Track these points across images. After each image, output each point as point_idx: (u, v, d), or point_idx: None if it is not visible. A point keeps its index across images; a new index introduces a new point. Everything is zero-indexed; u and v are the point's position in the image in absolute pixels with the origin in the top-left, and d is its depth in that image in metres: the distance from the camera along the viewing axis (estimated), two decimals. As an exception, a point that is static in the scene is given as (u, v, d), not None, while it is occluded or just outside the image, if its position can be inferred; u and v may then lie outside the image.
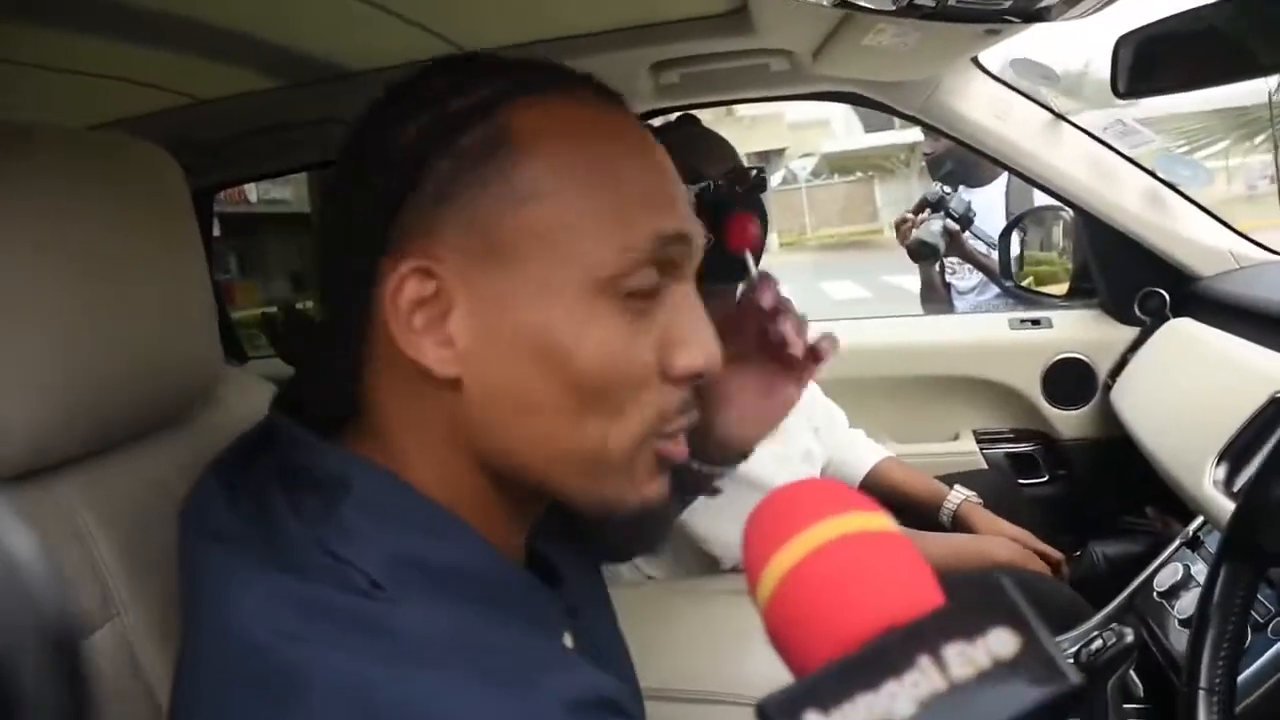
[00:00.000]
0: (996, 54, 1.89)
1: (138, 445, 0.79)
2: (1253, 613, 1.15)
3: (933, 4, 1.11)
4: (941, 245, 2.81)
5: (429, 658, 0.53)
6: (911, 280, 3.44)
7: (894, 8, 1.12)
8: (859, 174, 24.64)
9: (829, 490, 0.47)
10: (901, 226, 2.95)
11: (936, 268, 3.16)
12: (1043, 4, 1.13)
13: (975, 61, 1.82)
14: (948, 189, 2.82)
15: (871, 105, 1.90)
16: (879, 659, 0.38)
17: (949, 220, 2.78)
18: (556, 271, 0.59)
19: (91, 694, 0.20)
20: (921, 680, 0.37)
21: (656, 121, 1.75)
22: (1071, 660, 1.27)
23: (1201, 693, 0.90)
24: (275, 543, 0.57)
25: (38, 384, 0.66)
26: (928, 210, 2.83)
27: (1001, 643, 0.38)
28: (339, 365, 0.64)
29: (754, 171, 1.56)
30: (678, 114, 1.67)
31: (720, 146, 1.58)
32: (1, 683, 0.18)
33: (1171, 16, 1.27)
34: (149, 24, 1.08)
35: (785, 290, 0.92)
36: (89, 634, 0.68)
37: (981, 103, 1.86)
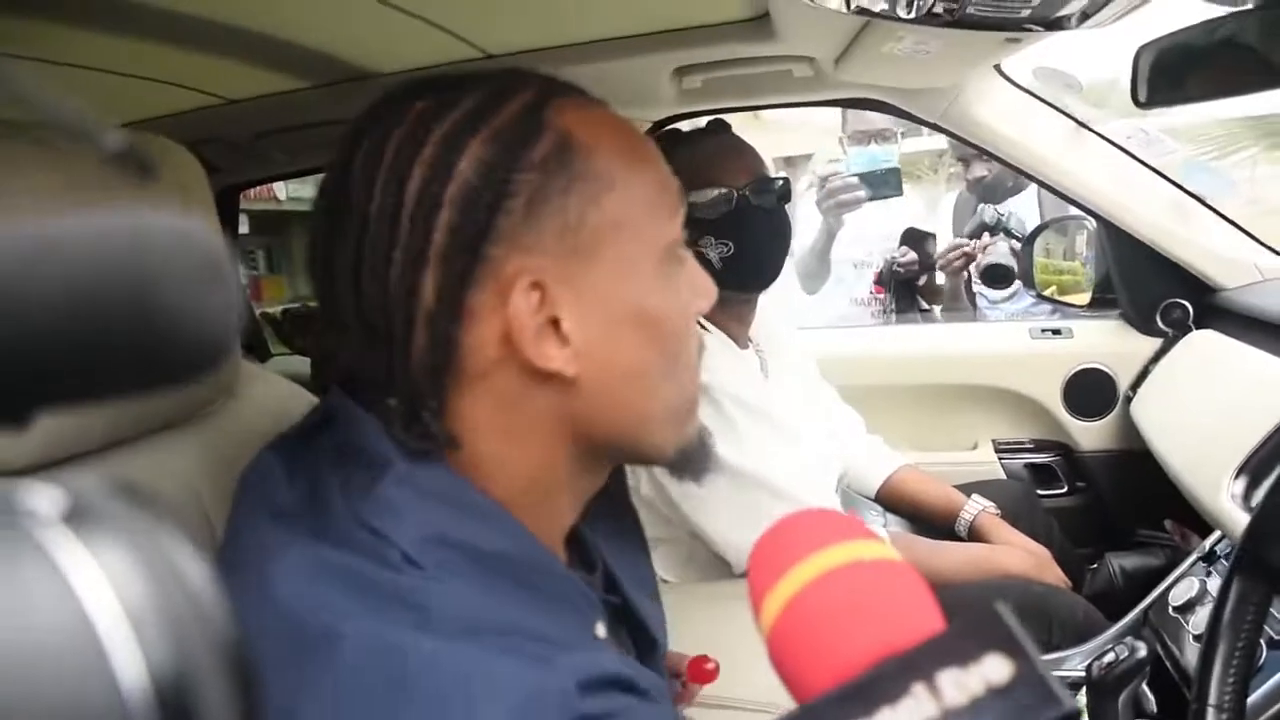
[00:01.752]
0: (1022, 63, 1.89)
1: (157, 439, 0.81)
2: (1268, 629, 1.14)
3: (951, 12, 1.11)
4: (1015, 265, 2.80)
5: (457, 632, 0.55)
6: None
7: (913, 16, 1.12)
8: (888, 179, 24.51)
9: (829, 520, 0.48)
10: (956, 257, 2.90)
11: (964, 276, 3.14)
12: (1061, 13, 1.13)
13: (998, 69, 1.81)
14: (1002, 210, 2.79)
15: (894, 112, 1.89)
16: (875, 687, 0.39)
17: (1013, 240, 2.75)
18: (635, 249, 0.66)
19: None
20: (916, 708, 0.38)
21: (685, 126, 1.75)
22: (1084, 673, 1.27)
23: (1210, 709, 0.89)
24: (322, 518, 0.60)
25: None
26: (986, 234, 2.81)
27: (996, 669, 0.39)
28: (417, 392, 0.64)
29: (778, 181, 1.57)
30: (708, 119, 1.68)
31: (745, 155, 1.60)
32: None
33: (1192, 27, 1.26)
34: (178, 26, 1.10)
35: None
36: None
37: (1004, 111, 1.85)
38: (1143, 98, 1.40)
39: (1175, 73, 1.34)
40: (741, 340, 1.66)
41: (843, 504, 1.84)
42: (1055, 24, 1.20)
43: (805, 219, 2.90)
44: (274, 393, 0.97)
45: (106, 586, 0.19)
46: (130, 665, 0.18)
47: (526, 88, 0.66)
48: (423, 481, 0.63)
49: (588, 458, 0.70)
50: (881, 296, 3.02)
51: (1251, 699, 1.03)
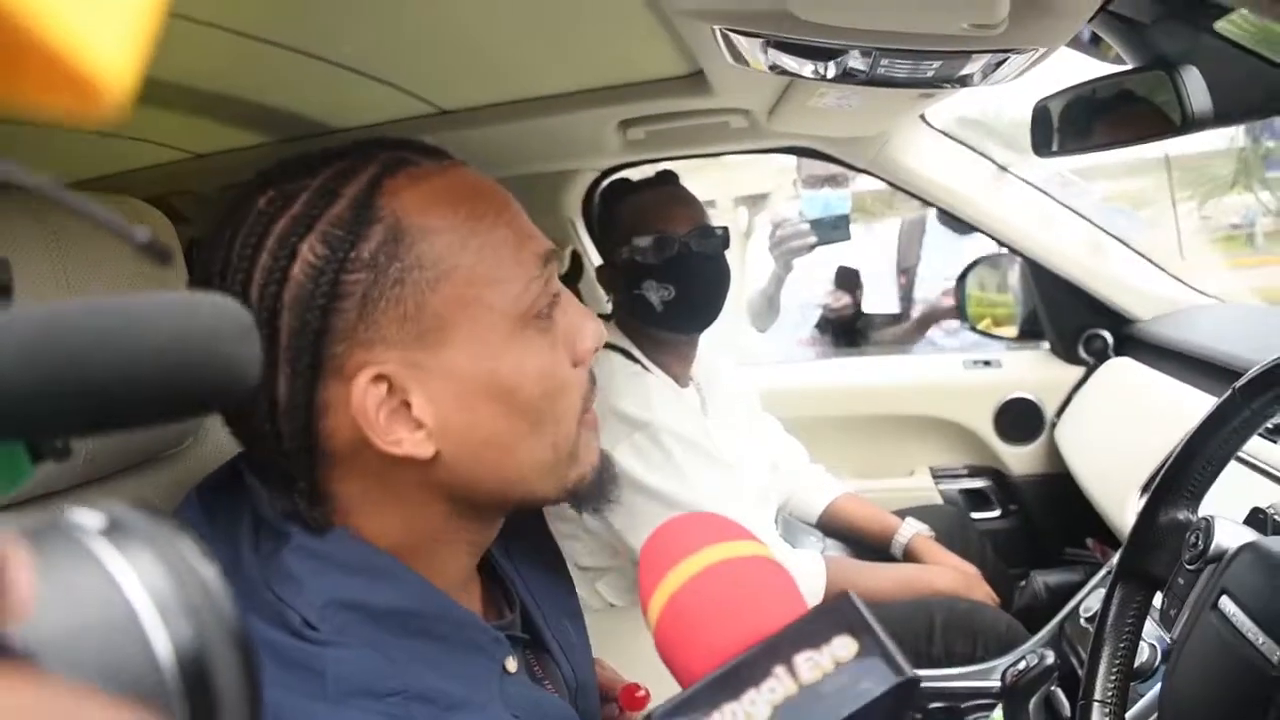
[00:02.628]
0: (945, 111, 2.00)
1: (129, 474, 0.87)
2: (1164, 637, 1.23)
3: (864, 73, 1.21)
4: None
5: (346, 695, 0.58)
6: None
7: (830, 76, 1.22)
8: (844, 216, 24.72)
9: (707, 522, 0.55)
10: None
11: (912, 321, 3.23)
12: (963, 73, 1.23)
13: (923, 118, 1.93)
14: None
15: (826, 159, 2.00)
16: (741, 672, 0.47)
17: None
18: (484, 324, 0.65)
19: None
20: (777, 686, 0.46)
21: (635, 176, 1.83)
22: (999, 681, 1.36)
23: (1095, 704, 0.97)
24: (236, 574, 0.63)
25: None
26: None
27: (843, 647, 0.46)
28: (287, 474, 0.66)
29: (719, 229, 1.66)
30: (657, 170, 1.77)
31: (689, 205, 1.68)
32: None
33: (1085, 83, 1.37)
34: (147, 86, 1.16)
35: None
36: None
37: (929, 156, 1.97)
38: (1045, 149, 1.50)
39: (1072, 125, 1.45)
40: (682, 379, 1.74)
41: (784, 530, 1.92)
42: (959, 81, 1.30)
43: (759, 258, 2.97)
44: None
45: (139, 582, 0.25)
46: (160, 642, 0.24)
47: (365, 170, 0.65)
48: (320, 549, 0.64)
49: (471, 513, 0.70)
50: (822, 338, 3.12)
51: (1142, 701, 1.11)
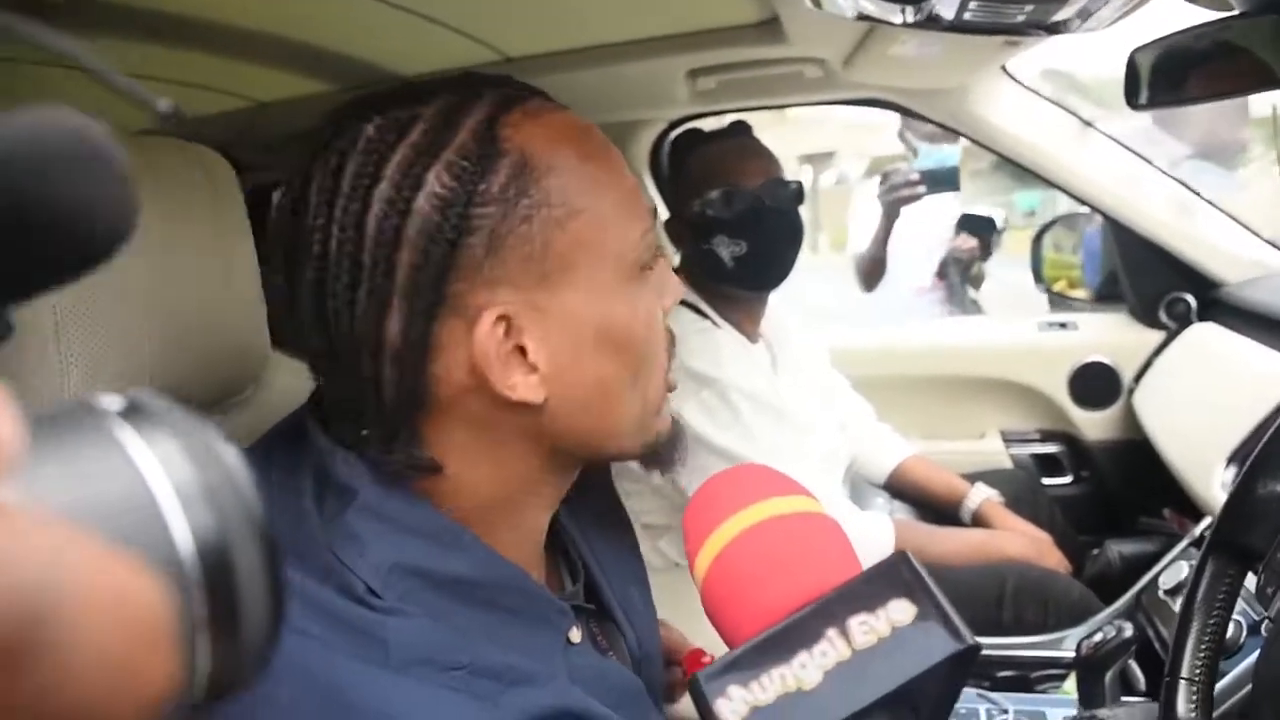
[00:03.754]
0: (1030, 63, 1.93)
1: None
2: (1249, 612, 1.19)
3: (950, 17, 1.16)
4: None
5: (409, 665, 0.56)
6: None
7: (912, 20, 1.17)
8: (910, 175, 24.47)
9: (758, 476, 0.53)
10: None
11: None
12: (1058, 17, 1.17)
13: (1004, 70, 1.86)
14: None
15: (904, 112, 1.95)
16: (792, 633, 0.45)
17: None
18: (603, 269, 0.64)
19: None
20: (830, 650, 0.44)
21: (708, 126, 1.79)
22: (1074, 652, 1.32)
23: (1182, 682, 0.94)
24: (296, 534, 0.61)
25: (89, 370, 0.71)
26: None
27: (900, 611, 0.44)
28: (389, 422, 0.64)
29: (793, 183, 1.62)
30: (731, 120, 1.73)
31: (761, 157, 1.64)
32: None
33: (1184, 30, 1.30)
34: (206, 32, 1.15)
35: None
36: None
37: (1010, 110, 1.90)
38: (1143, 99, 1.44)
39: (1173, 74, 1.39)
40: (752, 335, 1.71)
41: (851, 491, 1.89)
42: (1053, 27, 1.25)
43: (861, 220, 3.05)
44: (300, 385, 1.02)
45: (159, 466, 0.23)
46: (179, 528, 0.23)
47: (480, 102, 0.63)
48: (387, 510, 0.62)
49: (557, 465, 0.69)
50: (942, 285, 3.11)
51: (1228, 677, 1.07)
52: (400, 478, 0.64)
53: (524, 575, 0.67)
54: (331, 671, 0.55)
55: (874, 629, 0.44)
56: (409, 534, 0.62)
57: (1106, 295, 2.22)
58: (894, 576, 0.45)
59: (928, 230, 3.03)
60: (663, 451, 0.74)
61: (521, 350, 0.62)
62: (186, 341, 0.79)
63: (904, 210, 2.76)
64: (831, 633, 0.44)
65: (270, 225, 0.65)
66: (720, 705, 0.43)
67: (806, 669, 0.43)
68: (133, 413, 0.24)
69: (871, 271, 3.04)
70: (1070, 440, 2.22)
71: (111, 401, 0.25)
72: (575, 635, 0.70)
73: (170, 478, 0.24)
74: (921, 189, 2.54)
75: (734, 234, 1.57)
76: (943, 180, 2.51)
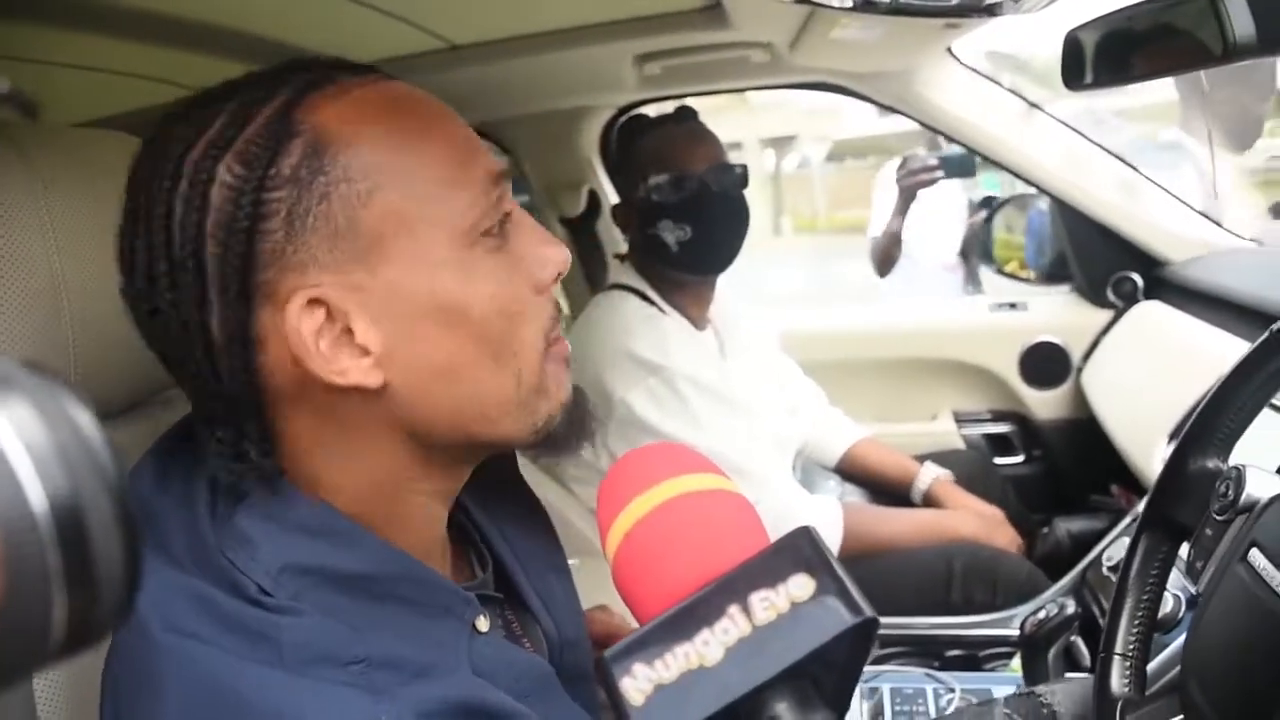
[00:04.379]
0: (974, 45, 1.94)
1: (138, 411, 0.86)
2: (1188, 587, 1.20)
3: (887, 1, 1.16)
4: None
5: (304, 666, 0.56)
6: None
7: (851, 4, 1.17)
8: (872, 159, 24.54)
9: (667, 454, 0.52)
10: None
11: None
12: (991, 0, 1.18)
13: (950, 52, 1.87)
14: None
15: (852, 95, 1.95)
16: (697, 610, 0.44)
17: None
18: (425, 241, 0.61)
19: None
20: (731, 627, 0.44)
21: (652, 112, 1.79)
22: (1019, 631, 1.34)
23: (1116, 658, 0.95)
24: (191, 535, 0.60)
25: (44, 355, 0.72)
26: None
27: (800, 587, 0.44)
28: (234, 421, 0.62)
29: (737, 168, 1.62)
30: (676, 106, 1.72)
31: (706, 142, 1.64)
32: None
33: (1120, 10, 1.31)
34: (149, 22, 1.14)
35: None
36: None
37: (956, 93, 1.91)
38: (1087, 79, 1.45)
39: (1116, 54, 1.40)
40: (699, 322, 1.71)
41: (802, 475, 1.90)
42: (990, 9, 1.25)
43: (877, 207, 3.14)
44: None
45: (11, 429, 0.24)
46: (32, 486, 0.24)
47: (281, 89, 0.61)
48: (275, 510, 0.62)
49: (434, 457, 0.67)
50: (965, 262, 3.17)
51: (1165, 652, 1.09)
52: (263, 477, 0.63)
53: (420, 566, 0.66)
54: (224, 674, 0.55)
55: (774, 604, 0.43)
56: (298, 532, 0.61)
57: (1055, 275, 2.24)
58: (794, 552, 0.45)
59: (946, 211, 3.10)
60: (564, 432, 0.70)
61: (350, 333, 0.60)
62: (114, 335, 0.78)
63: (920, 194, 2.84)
64: (734, 609, 0.44)
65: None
66: (625, 684, 0.43)
67: (709, 646, 0.43)
68: None
69: (887, 253, 3.09)
70: (1021, 420, 2.25)
71: None
72: (483, 624, 0.69)
73: (22, 438, 0.24)
74: (939, 174, 2.61)
75: (679, 219, 1.57)
76: (958, 166, 2.57)
